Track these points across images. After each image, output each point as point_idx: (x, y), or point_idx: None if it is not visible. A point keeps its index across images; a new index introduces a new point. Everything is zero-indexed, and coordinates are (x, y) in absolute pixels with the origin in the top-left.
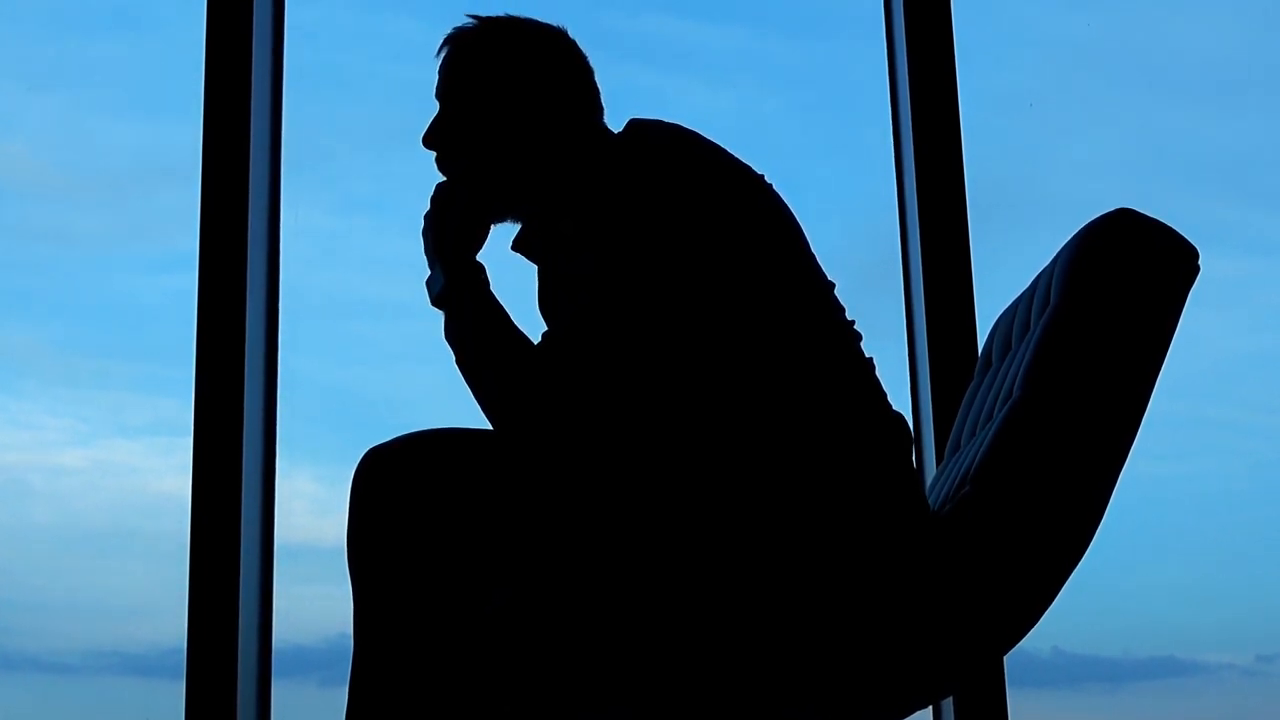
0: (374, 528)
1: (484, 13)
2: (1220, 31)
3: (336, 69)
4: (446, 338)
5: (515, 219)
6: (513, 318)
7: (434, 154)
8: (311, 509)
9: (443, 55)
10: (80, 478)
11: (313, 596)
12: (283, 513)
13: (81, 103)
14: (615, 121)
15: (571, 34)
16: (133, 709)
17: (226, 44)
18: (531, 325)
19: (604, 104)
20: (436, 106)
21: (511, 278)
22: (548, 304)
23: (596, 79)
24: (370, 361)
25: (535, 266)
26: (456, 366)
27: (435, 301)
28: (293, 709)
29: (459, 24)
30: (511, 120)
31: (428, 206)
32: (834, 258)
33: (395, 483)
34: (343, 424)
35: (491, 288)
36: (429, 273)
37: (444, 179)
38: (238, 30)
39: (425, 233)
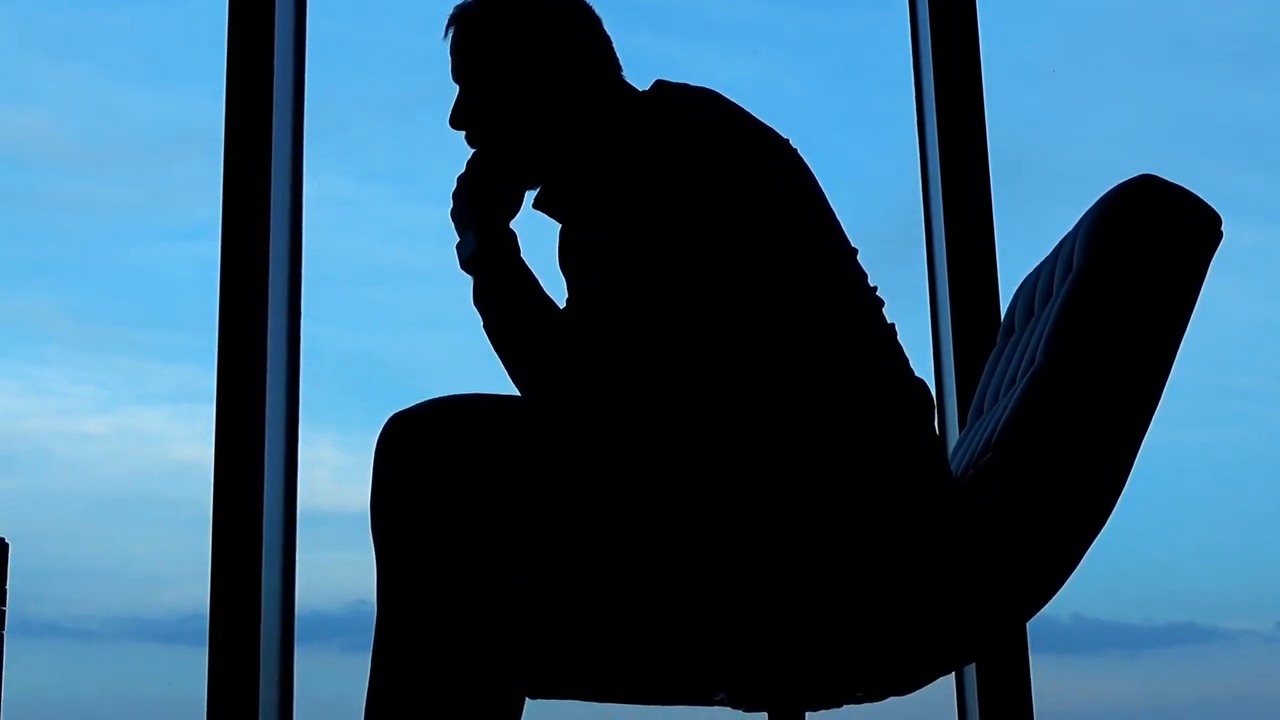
0: (397, 493)
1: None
2: (1238, 1)
3: (358, 38)
4: (475, 302)
5: (547, 183)
6: (541, 284)
7: (463, 133)
8: (333, 475)
9: (450, 35)
10: (102, 444)
11: (334, 563)
12: (305, 479)
13: (103, 72)
14: (639, 86)
15: None
16: (152, 675)
17: (249, 12)
18: (556, 289)
19: (619, 56)
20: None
21: (536, 239)
22: (568, 261)
23: (606, 29)
24: (392, 329)
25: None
26: (484, 331)
27: (465, 265)
28: (314, 674)
29: (460, 1)
30: (531, 88)
31: (462, 170)
32: (854, 225)
33: (419, 448)
34: (364, 391)
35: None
36: (459, 238)
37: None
38: None
39: (457, 196)
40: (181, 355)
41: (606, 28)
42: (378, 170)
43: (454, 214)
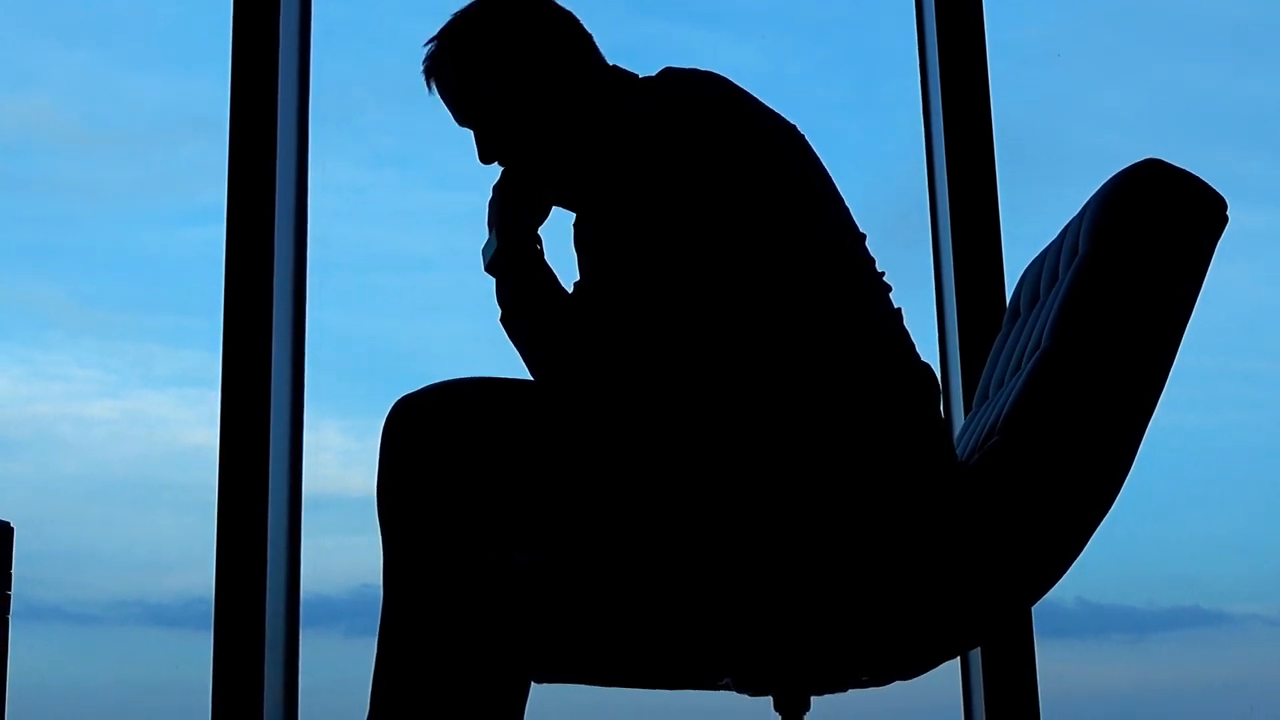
0: (404, 477)
1: (441, 23)
2: None
3: (363, 22)
4: (498, 301)
5: (565, 180)
6: (563, 285)
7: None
8: (338, 460)
9: (434, 87)
10: (108, 429)
11: (337, 547)
12: (309, 464)
13: (108, 56)
14: (647, 73)
15: None
16: (156, 659)
17: None
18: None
19: (602, 51)
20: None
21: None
22: (582, 244)
23: (581, 22)
24: (397, 314)
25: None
26: (500, 324)
27: (487, 268)
28: (318, 659)
29: (426, 52)
30: (530, 102)
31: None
32: (860, 209)
33: (426, 432)
34: (369, 375)
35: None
36: (486, 240)
37: None
38: None
39: (491, 203)
40: (187, 340)
41: (623, 25)
42: (383, 155)
43: (489, 220)
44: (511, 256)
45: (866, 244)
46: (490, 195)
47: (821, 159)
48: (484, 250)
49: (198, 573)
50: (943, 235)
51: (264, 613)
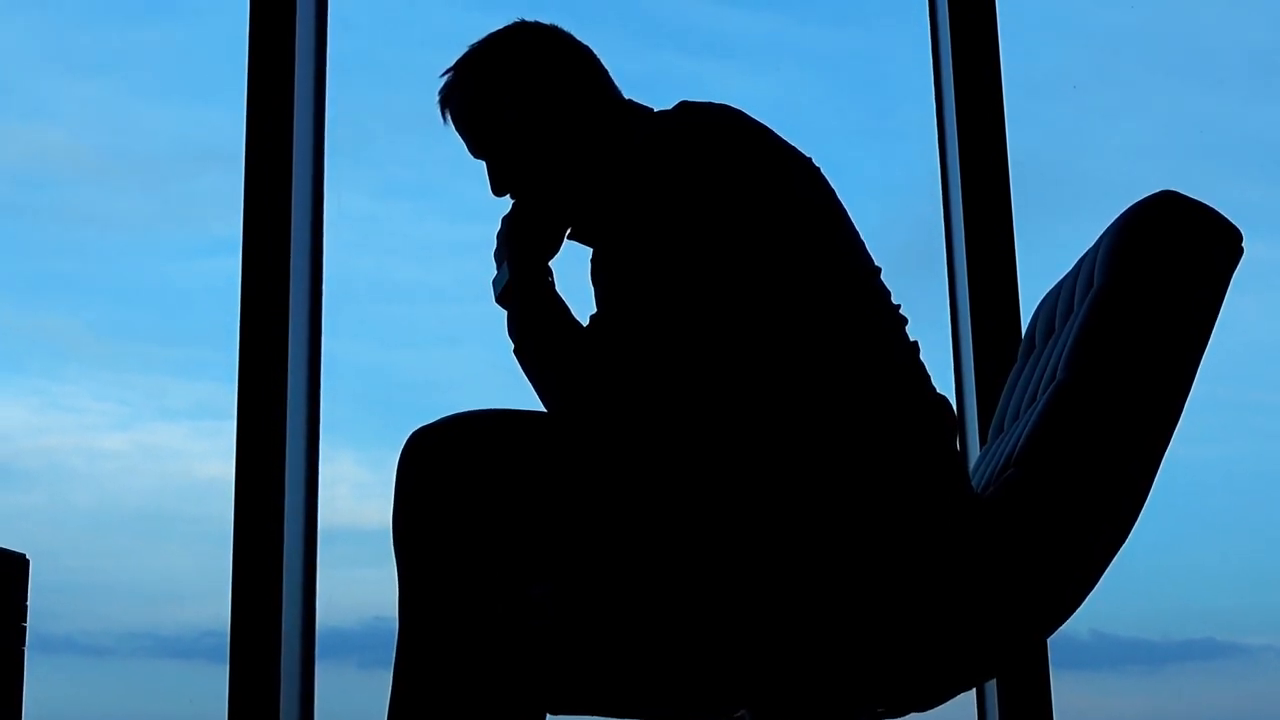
0: (420, 508)
1: (456, 56)
2: (1258, 16)
3: (379, 54)
4: (510, 334)
5: (579, 214)
6: (576, 316)
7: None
8: (353, 492)
9: (449, 117)
10: (121, 461)
11: (351, 580)
12: (323, 496)
13: (123, 88)
14: (662, 106)
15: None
16: (167, 691)
17: (270, 28)
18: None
19: (618, 81)
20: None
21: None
22: (599, 281)
23: (600, 61)
24: (412, 345)
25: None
26: (514, 355)
27: (499, 299)
28: (332, 691)
29: (442, 82)
30: (544, 132)
31: (500, 207)
32: (875, 240)
33: (441, 463)
34: (384, 407)
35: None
36: (496, 272)
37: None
38: (281, 14)
39: (500, 235)
40: (202, 372)
41: (635, 57)
42: (397, 186)
43: (495, 253)
44: (524, 289)
45: (882, 276)
46: (499, 227)
47: (837, 190)
48: (494, 282)
49: (211, 605)
50: (958, 266)
51: (279, 645)
